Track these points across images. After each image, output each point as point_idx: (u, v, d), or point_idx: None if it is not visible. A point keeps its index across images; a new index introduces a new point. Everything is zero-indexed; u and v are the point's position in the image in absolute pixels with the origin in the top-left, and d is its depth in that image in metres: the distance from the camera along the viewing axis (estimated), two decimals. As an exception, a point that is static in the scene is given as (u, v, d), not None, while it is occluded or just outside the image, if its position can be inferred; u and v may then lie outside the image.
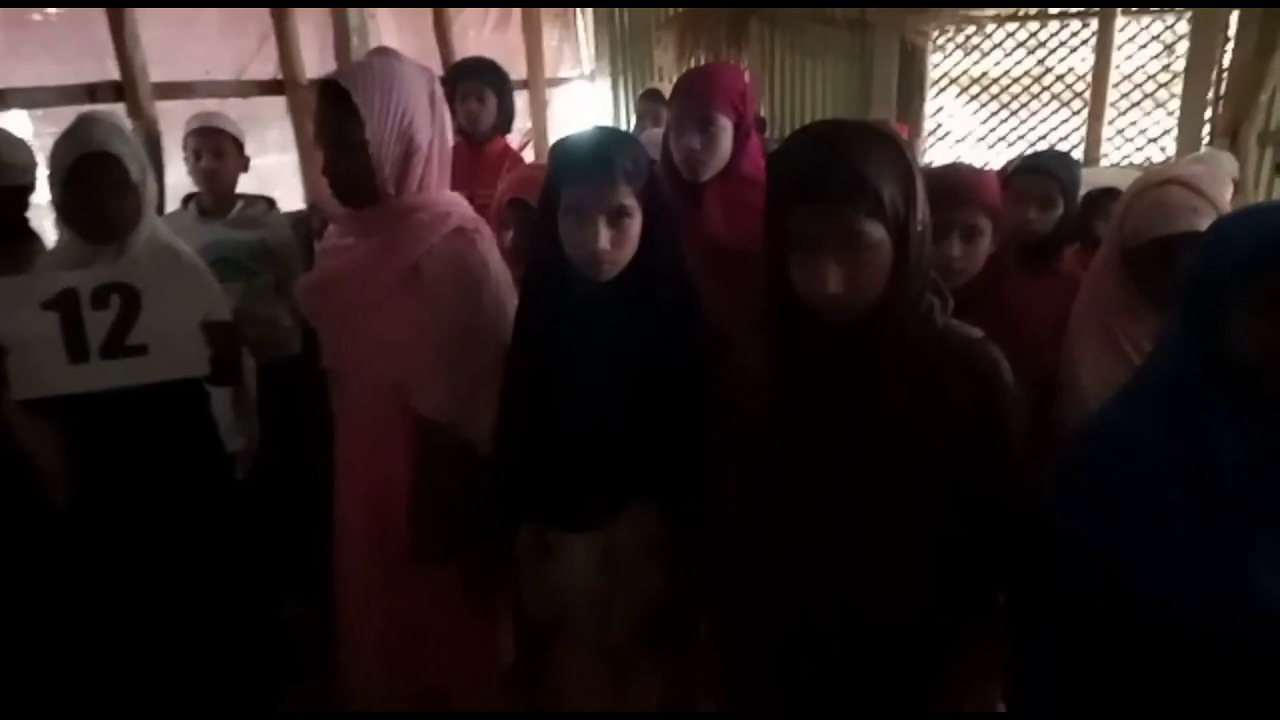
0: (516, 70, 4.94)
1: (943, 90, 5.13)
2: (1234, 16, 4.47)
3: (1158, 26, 4.70)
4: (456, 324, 1.58)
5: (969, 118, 5.21)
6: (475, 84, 2.87)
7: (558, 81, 5.35)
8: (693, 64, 5.02)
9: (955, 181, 1.62)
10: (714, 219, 1.89)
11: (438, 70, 3.45)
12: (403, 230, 1.59)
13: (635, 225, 1.36)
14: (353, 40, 3.33)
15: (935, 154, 5.18)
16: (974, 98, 5.14)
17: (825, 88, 5.07)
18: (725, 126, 1.86)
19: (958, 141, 5.21)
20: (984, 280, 1.64)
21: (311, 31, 3.42)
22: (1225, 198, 2.55)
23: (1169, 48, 4.71)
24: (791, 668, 1.26)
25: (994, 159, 4.92)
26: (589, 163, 1.33)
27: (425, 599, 1.68)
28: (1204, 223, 1.45)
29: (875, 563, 1.16)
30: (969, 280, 1.62)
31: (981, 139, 5.16)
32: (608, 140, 1.39)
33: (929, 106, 5.13)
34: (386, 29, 3.86)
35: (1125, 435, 1.08)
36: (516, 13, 4.81)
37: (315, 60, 3.42)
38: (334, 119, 1.53)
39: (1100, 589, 1.05)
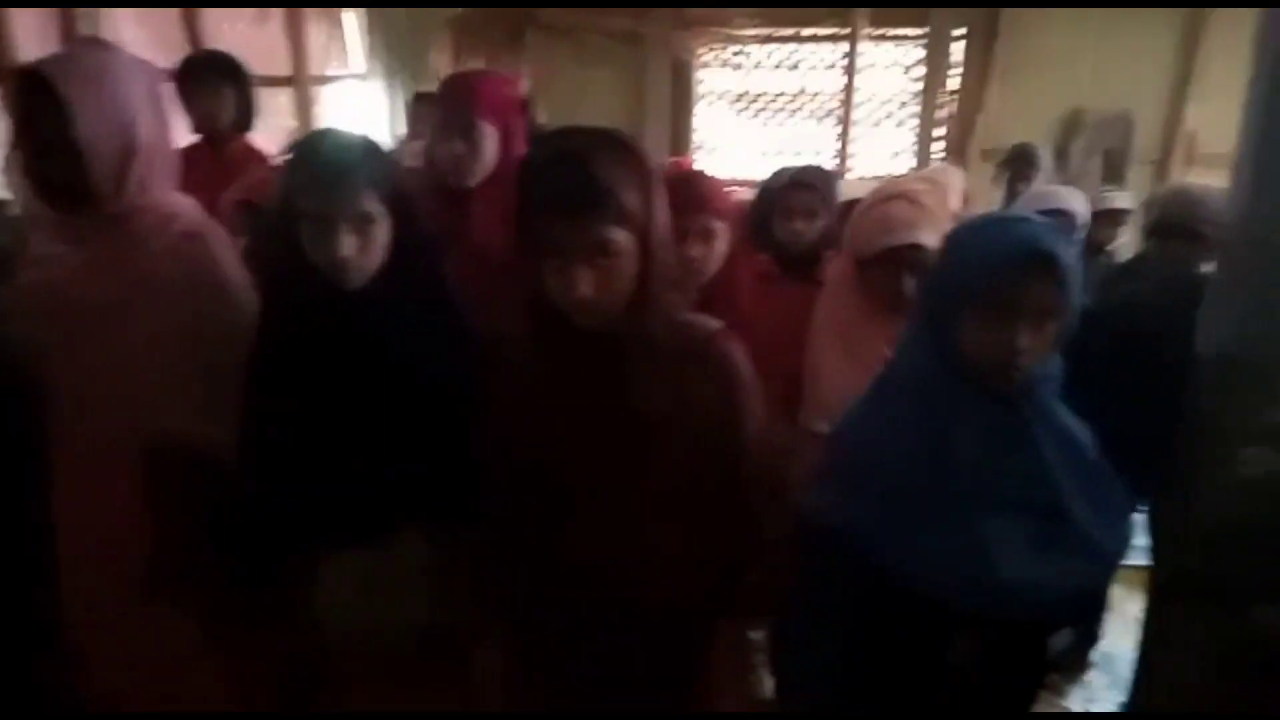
0: (278, 67, 4.67)
1: (711, 105, 5.39)
2: (959, 46, 5.03)
3: (899, 52, 5.20)
4: (192, 334, 1.46)
5: (735, 131, 5.51)
6: (209, 79, 2.64)
7: (326, 80, 5.09)
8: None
9: (691, 188, 1.71)
10: (484, 227, 1.86)
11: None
12: (122, 237, 1.44)
13: (381, 231, 1.30)
14: (78, 27, 2.99)
15: (705, 165, 5.42)
16: (740, 112, 5.45)
17: (603, 99, 5.16)
18: (489, 133, 1.83)
19: (725, 154, 5.48)
20: (723, 278, 1.75)
21: (30, 16, 3.04)
22: (949, 209, 2.86)
23: (907, 70, 5.22)
24: (562, 665, 1.27)
25: (759, 171, 5.26)
26: (327, 168, 1.26)
27: (172, 639, 1.52)
28: (925, 234, 1.59)
29: (636, 556, 1.19)
30: (709, 279, 1.72)
31: (747, 152, 5.47)
32: (346, 144, 1.32)
33: (699, 120, 5.37)
34: (124, 17, 3.51)
35: (874, 434, 1.18)
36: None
37: (36, 49, 3.04)
38: (38, 114, 1.36)
39: (857, 575, 1.15)
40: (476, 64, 4.99)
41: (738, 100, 5.43)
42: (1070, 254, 1.08)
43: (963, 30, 4.98)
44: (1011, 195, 3.25)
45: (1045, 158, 3.22)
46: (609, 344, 1.14)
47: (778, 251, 2.27)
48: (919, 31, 5.05)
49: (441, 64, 5.12)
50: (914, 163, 5.21)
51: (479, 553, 1.34)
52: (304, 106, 4.74)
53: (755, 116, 5.46)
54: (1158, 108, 4.94)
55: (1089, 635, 2.53)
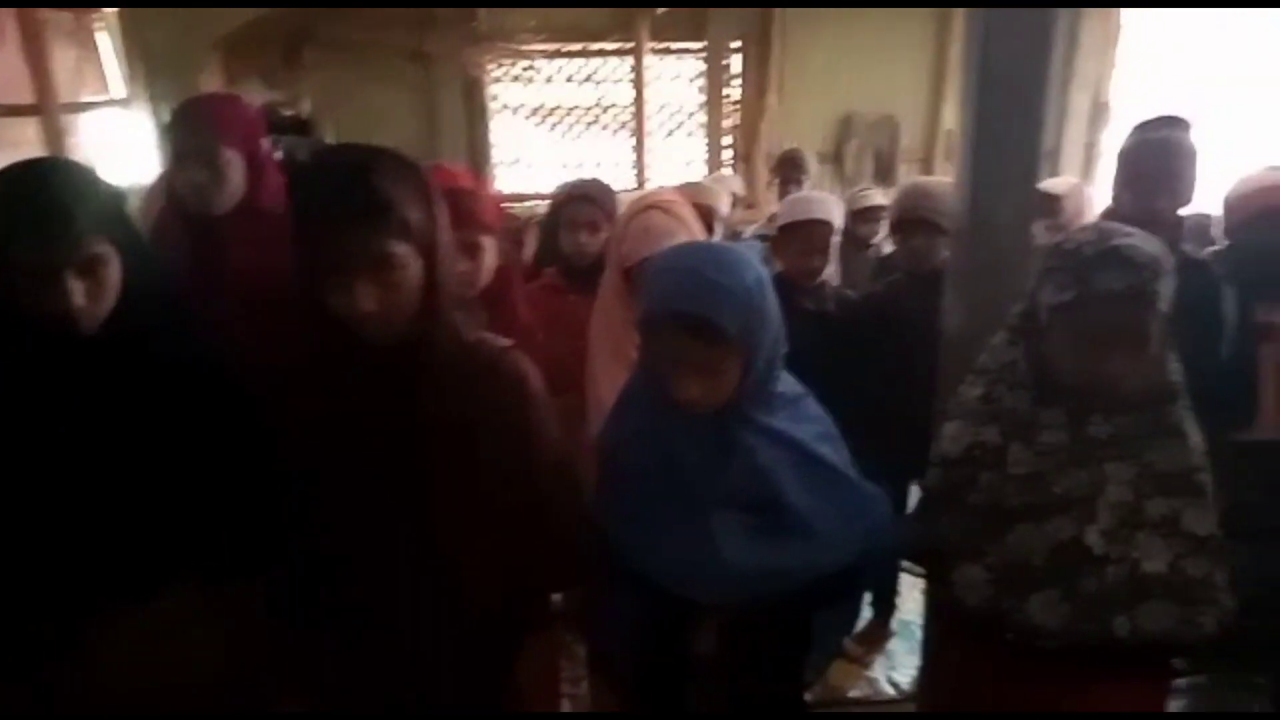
0: (20, 94, 4.24)
1: (506, 120, 5.38)
2: (737, 59, 5.29)
3: (682, 65, 5.39)
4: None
5: (534, 146, 5.52)
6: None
7: (80, 107, 4.68)
8: (242, 90, 4.71)
9: (455, 202, 1.69)
10: (238, 255, 1.77)
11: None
12: None
13: (112, 272, 1.20)
14: None
15: (505, 179, 5.41)
16: (537, 126, 5.48)
17: (393, 117, 5.04)
18: (232, 160, 1.74)
19: (526, 167, 5.49)
20: (496, 292, 1.76)
21: None
22: (722, 213, 2.99)
23: (691, 82, 5.42)
24: (370, 687, 1.24)
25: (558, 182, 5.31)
26: (42, 211, 1.14)
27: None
28: (681, 241, 1.65)
29: (436, 570, 1.18)
30: (481, 292, 1.73)
31: (548, 166, 5.50)
32: (61, 180, 1.19)
33: (496, 135, 5.35)
34: None
35: (618, 442, 1.25)
36: (12, 28, 4.12)
37: None
38: None
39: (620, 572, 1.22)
40: (251, 85, 4.75)
41: (534, 115, 5.46)
42: (736, 308, 1.12)
43: (738, 43, 5.23)
44: (784, 198, 3.43)
45: (812, 161, 3.43)
46: (397, 359, 1.12)
47: (564, 264, 2.29)
48: (699, 45, 5.26)
49: (213, 86, 4.83)
50: (706, 170, 5.42)
51: (273, 592, 1.28)
52: (54, 137, 4.33)
53: (552, 130, 5.51)
54: (919, 109, 5.40)
55: (887, 606, 2.71)
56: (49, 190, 1.16)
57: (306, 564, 1.21)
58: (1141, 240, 1.16)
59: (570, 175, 5.44)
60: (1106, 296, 1.14)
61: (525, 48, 5.06)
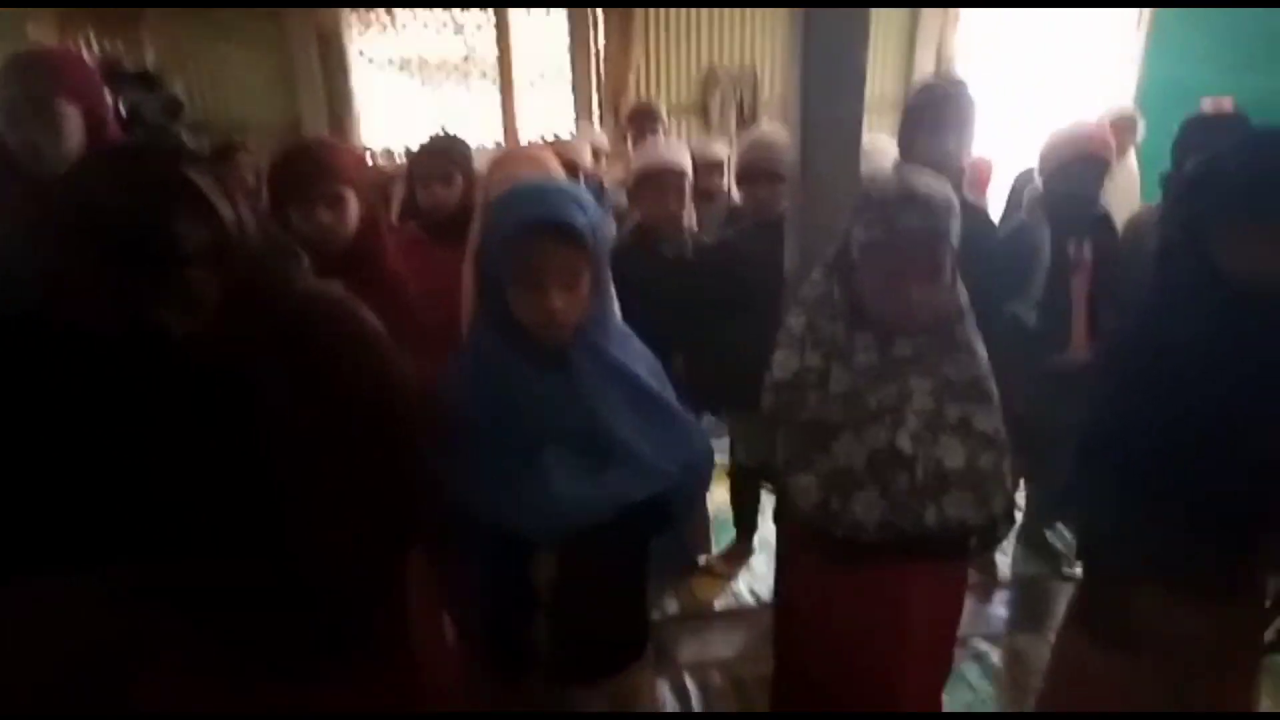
0: None
1: (367, 72, 5.24)
2: (599, 13, 5.30)
3: (547, 17, 5.36)
4: None
5: (400, 98, 5.40)
6: None
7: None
8: (81, 45, 4.44)
9: (312, 156, 1.73)
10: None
11: None
12: None
13: None
14: None
15: (371, 134, 5.29)
16: (401, 78, 5.35)
17: (246, 72, 4.85)
18: (70, 114, 1.70)
19: (390, 120, 5.37)
20: (360, 242, 1.80)
21: None
22: (585, 165, 3.07)
23: (557, 34, 5.41)
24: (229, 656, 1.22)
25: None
26: None
27: None
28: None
29: (291, 535, 1.16)
30: (351, 244, 1.77)
31: (413, 118, 5.40)
32: None
33: (359, 88, 5.21)
34: None
35: (456, 388, 1.30)
36: None
37: None
38: None
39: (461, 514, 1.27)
40: (87, 36, 4.47)
41: (396, 66, 5.33)
42: (587, 219, 1.21)
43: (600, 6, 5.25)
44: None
45: (664, 113, 3.52)
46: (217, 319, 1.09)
47: (424, 218, 2.33)
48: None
49: (43, 37, 4.51)
50: (574, 123, 5.45)
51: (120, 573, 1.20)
52: None
53: (417, 82, 5.40)
54: (779, 61, 5.56)
55: (749, 526, 2.92)
56: None
57: (148, 543, 1.15)
58: (936, 184, 1.33)
59: (438, 129, 5.41)
60: (908, 235, 1.29)
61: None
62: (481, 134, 5.35)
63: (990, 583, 2.79)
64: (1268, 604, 1.45)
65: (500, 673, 1.43)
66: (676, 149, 2.42)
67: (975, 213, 2.28)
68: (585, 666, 1.42)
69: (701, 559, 2.90)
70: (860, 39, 1.90)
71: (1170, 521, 1.32)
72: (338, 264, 1.75)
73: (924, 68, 5.51)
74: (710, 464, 1.51)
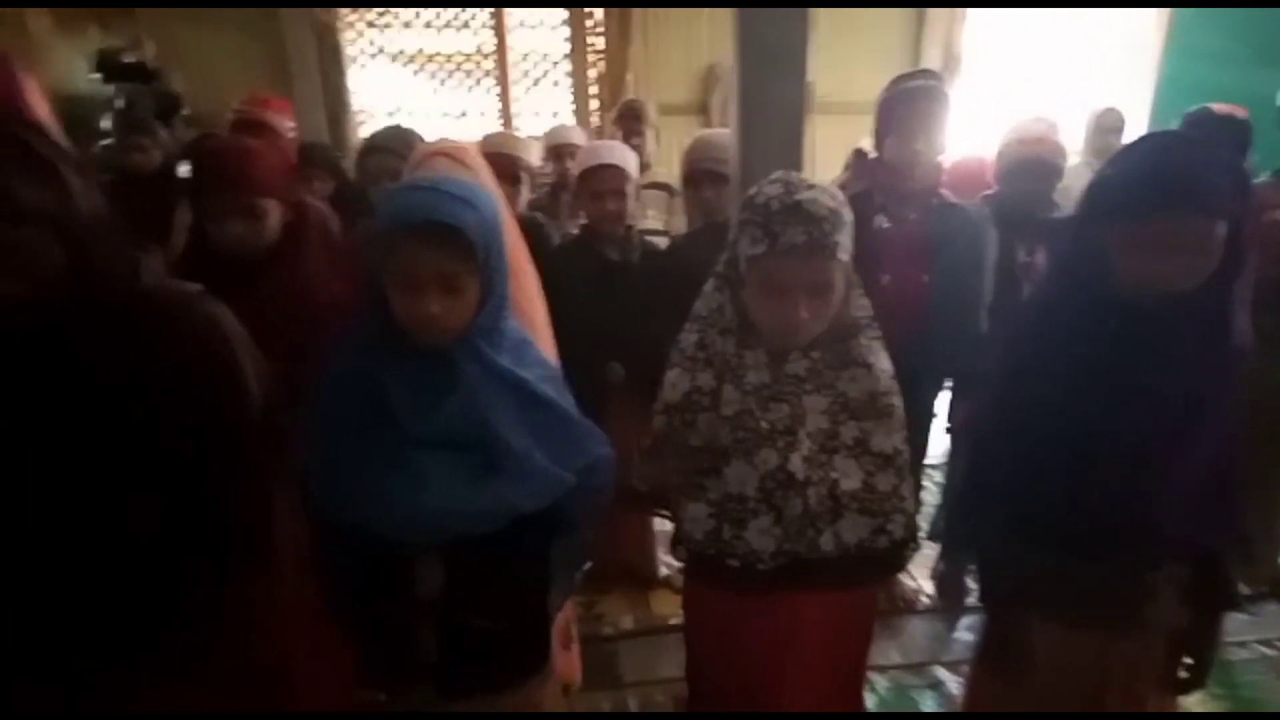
0: None
1: (365, 67, 5.24)
2: (599, 12, 5.25)
3: (545, 12, 5.32)
4: None
5: (398, 94, 5.40)
6: None
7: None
8: (76, 34, 4.47)
9: (228, 164, 1.69)
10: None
11: None
12: None
13: None
14: None
15: (371, 127, 5.29)
16: (400, 74, 5.35)
17: (242, 66, 4.86)
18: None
19: (390, 114, 5.37)
20: (278, 250, 1.77)
21: None
22: (529, 162, 3.00)
23: (554, 30, 5.37)
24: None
25: (431, 131, 5.21)
26: None
27: None
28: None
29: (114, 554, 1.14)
30: (267, 250, 1.75)
31: (416, 112, 5.39)
32: None
33: (356, 84, 5.22)
34: None
35: (331, 388, 1.24)
36: None
37: None
38: None
39: (332, 520, 1.22)
40: (83, 28, 4.51)
41: (400, 62, 5.33)
42: (478, 220, 1.15)
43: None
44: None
45: (651, 113, 3.46)
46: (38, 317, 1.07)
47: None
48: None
49: (41, 29, 4.56)
50: (573, 120, 5.41)
51: None
52: None
53: (415, 78, 5.39)
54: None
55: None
56: None
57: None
58: (821, 194, 1.25)
59: (446, 125, 5.41)
60: (791, 249, 1.23)
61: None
62: (479, 131, 5.32)
63: (908, 609, 2.66)
64: (1175, 639, 1.37)
65: (386, 681, 1.38)
66: (618, 149, 2.36)
67: (957, 212, 2.19)
68: (478, 678, 1.36)
69: (662, 571, 2.84)
70: (798, 20, 1.84)
71: (1059, 550, 1.24)
72: (252, 269, 1.74)
73: (931, 62, 5.38)
74: (611, 469, 1.41)
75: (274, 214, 1.75)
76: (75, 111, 3.62)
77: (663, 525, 2.79)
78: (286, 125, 3.25)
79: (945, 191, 2.22)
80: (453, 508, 1.19)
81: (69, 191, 1.07)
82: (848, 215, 1.27)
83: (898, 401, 1.37)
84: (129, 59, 4.65)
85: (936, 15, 5.40)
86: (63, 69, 4.52)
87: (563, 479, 1.26)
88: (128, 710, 1.19)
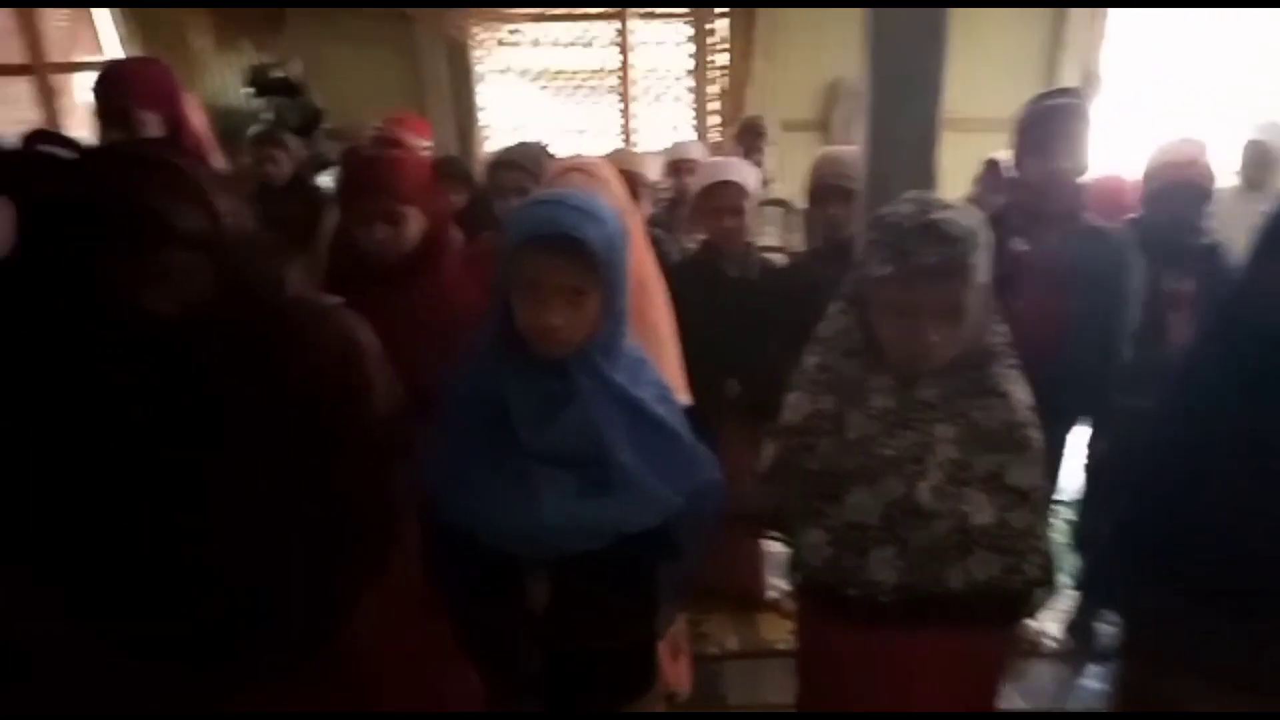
0: (8, 54, 4.34)
1: (495, 84, 5.40)
2: (725, 23, 5.25)
3: (669, 30, 5.37)
4: None
5: (524, 109, 5.54)
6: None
7: (74, 67, 4.77)
8: (233, 51, 4.79)
9: (374, 172, 1.75)
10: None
11: None
12: None
13: None
14: None
15: (498, 141, 5.43)
16: (528, 90, 5.49)
17: (378, 81, 5.09)
18: (151, 121, 1.81)
19: (514, 130, 5.50)
20: (418, 257, 1.81)
21: None
22: (648, 178, 3.02)
23: (678, 47, 5.40)
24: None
25: (554, 146, 5.33)
26: None
27: None
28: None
29: (268, 548, 1.18)
30: (406, 256, 1.78)
31: (541, 128, 5.51)
32: None
33: (485, 99, 5.38)
34: None
35: (455, 399, 1.26)
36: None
37: None
38: None
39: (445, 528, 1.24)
40: (239, 46, 4.82)
41: (523, 78, 5.47)
42: (602, 235, 1.15)
43: (725, 8, 5.20)
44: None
45: (773, 129, 3.43)
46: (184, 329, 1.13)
47: (500, 229, 2.35)
48: (684, 10, 5.23)
49: (203, 48, 4.90)
50: (694, 135, 5.41)
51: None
52: (46, 97, 4.43)
53: (542, 94, 5.52)
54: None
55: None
56: None
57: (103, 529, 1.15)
58: (958, 214, 1.20)
59: (565, 141, 5.53)
60: (922, 271, 1.18)
61: (509, 11, 5.07)
62: (602, 146, 5.41)
63: (1031, 651, 2.45)
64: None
65: (498, 693, 1.41)
66: (737, 165, 2.34)
67: (1099, 236, 2.08)
68: (584, 695, 1.36)
69: (770, 594, 2.78)
70: (934, 37, 1.77)
71: (1218, 605, 1.14)
72: (393, 274, 1.80)
73: (1069, 81, 5.14)
74: (721, 495, 1.39)
75: (415, 222, 1.80)
76: (229, 124, 3.86)
77: (771, 546, 2.75)
78: (422, 144, 3.36)
79: (1088, 214, 2.10)
80: (562, 524, 1.19)
81: (218, 213, 1.12)
82: (986, 236, 1.21)
83: (1036, 434, 1.30)
84: (277, 74, 4.95)
85: (1074, 32, 5.15)
86: (219, 83, 4.84)
87: (671, 500, 1.25)
88: (257, 702, 1.22)
